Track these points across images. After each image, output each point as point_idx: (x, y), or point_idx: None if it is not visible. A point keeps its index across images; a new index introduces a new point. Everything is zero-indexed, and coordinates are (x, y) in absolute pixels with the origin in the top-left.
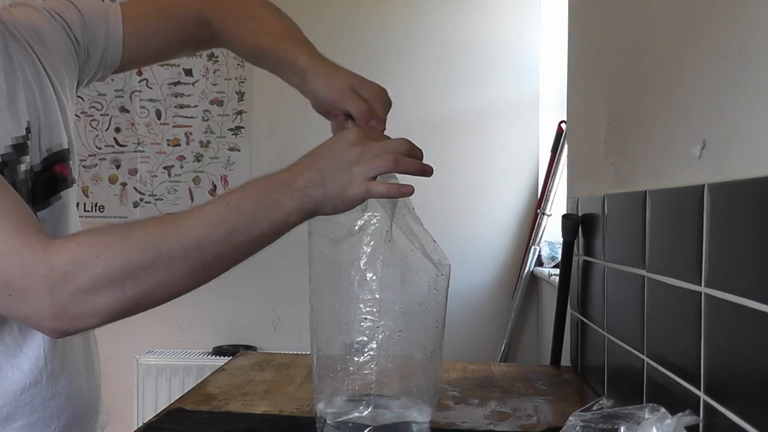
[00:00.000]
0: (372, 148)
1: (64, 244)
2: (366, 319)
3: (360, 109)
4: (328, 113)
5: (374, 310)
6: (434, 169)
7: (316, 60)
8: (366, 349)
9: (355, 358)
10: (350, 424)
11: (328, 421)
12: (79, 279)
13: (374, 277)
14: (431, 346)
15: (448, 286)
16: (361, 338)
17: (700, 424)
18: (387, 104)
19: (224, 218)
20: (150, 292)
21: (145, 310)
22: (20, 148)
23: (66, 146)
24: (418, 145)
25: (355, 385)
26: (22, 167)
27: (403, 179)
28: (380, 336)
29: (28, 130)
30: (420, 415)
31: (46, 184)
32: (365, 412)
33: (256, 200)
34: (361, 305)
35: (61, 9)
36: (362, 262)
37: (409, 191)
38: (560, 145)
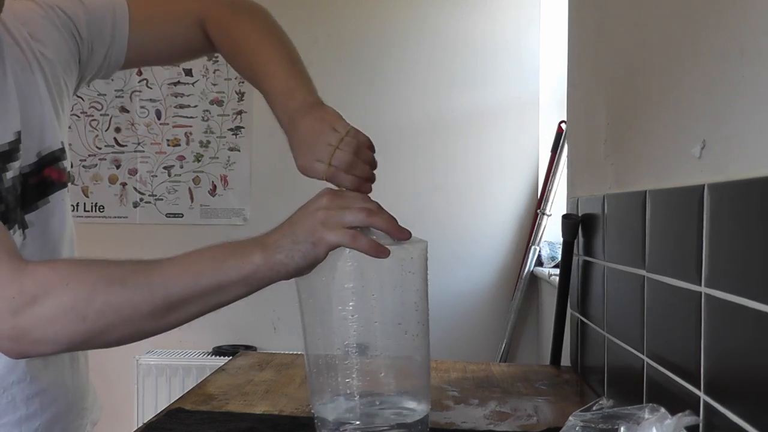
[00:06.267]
0: (341, 199)
1: (36, 268)
2: (344, 309)
3: (322, 176)
4: None
5: (350, 300)
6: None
7: (292, 129)
8: (347, 343)
9: (338, 353)
10: (345, 423)
11: (323, 419)
12: (45, 304)
13: (346, 268)
14: (412, 330)
15: (425, 266)
16: (340, 332)
17: (700, 424)
18: (352, 151)
19: (194, 262)
20: (111, 327)
21: (106, 347)
22: (6, 156)
23: (59, 147)
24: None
25: (343, 382)
26: (8, 175)
27: None
28: (354, 326)
29: (18, 134)
30: (417, 406)
31: (34, 187)
32: (357, 411)
33: (229, 251)
34: (337, 297)
35: (65, 4)
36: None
37: (385, 254)
38: (560, 145)
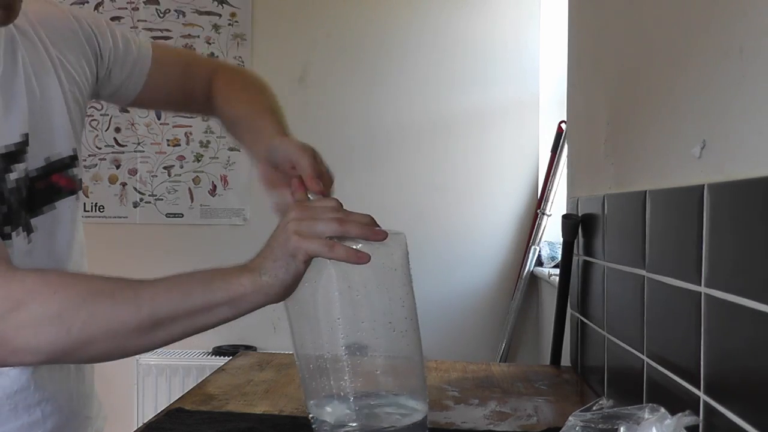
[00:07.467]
0: (310, 210)
1: (26, 275)
2: (331, 313)
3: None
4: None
5: (336, 303)
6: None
7: (283, 137)
8: (337, 345)
9: (328, 356)
10: (343, 426)
11: (320, 421)
12: (30, 310)
13: (329, 274)
14: (400, 327)
15: (407, 260)
16: (329, 336)
17: (700, 424)
18: (307, 163)
19: (182, 282)
20: (94, 339)
21: (87, 362)
22: (11, 157)
23: (70, 154)
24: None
25: (336, 384)
26: (12, 176)
27: None
28: (342, 329)
29: (26, 136)
30: (414, 404)
31: (41, 192)
32: (352, 412)
33: (217, 274)
34: (323, 302)
35: (93, 22)
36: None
37: (365, 260)
38: (560, 145)
